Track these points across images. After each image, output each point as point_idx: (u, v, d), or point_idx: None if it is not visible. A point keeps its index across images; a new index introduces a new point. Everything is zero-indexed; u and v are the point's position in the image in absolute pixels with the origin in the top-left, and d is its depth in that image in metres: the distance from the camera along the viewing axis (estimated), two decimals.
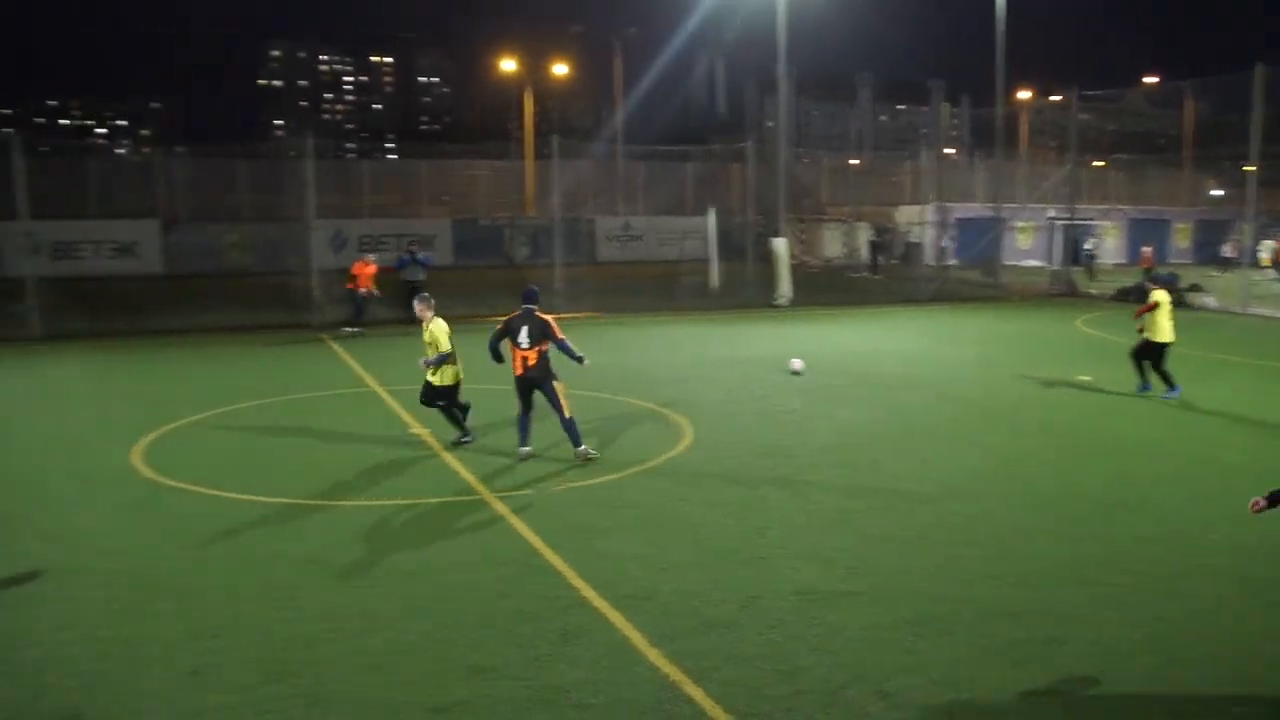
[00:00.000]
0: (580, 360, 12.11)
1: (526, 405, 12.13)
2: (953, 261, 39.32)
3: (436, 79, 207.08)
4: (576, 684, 6.60)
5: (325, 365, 19.27)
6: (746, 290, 30.00)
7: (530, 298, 12.23)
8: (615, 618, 7.57)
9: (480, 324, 25.43)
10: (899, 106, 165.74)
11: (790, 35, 30.35)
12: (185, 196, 44.90)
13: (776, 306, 29.08)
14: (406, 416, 14.52)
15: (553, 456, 12.27)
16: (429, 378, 12.70)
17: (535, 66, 67.76)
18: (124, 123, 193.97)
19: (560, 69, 73.40)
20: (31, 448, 13.25)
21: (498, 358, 12.20)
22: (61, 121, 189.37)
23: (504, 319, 12.39)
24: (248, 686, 6.61)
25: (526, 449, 12.19)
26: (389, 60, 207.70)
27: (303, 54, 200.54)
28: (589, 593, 8.04)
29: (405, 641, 7.24)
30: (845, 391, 16.39)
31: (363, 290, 23.17)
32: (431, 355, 12.61)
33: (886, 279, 37.27)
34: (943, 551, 9.02)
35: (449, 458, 12.29)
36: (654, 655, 6.97)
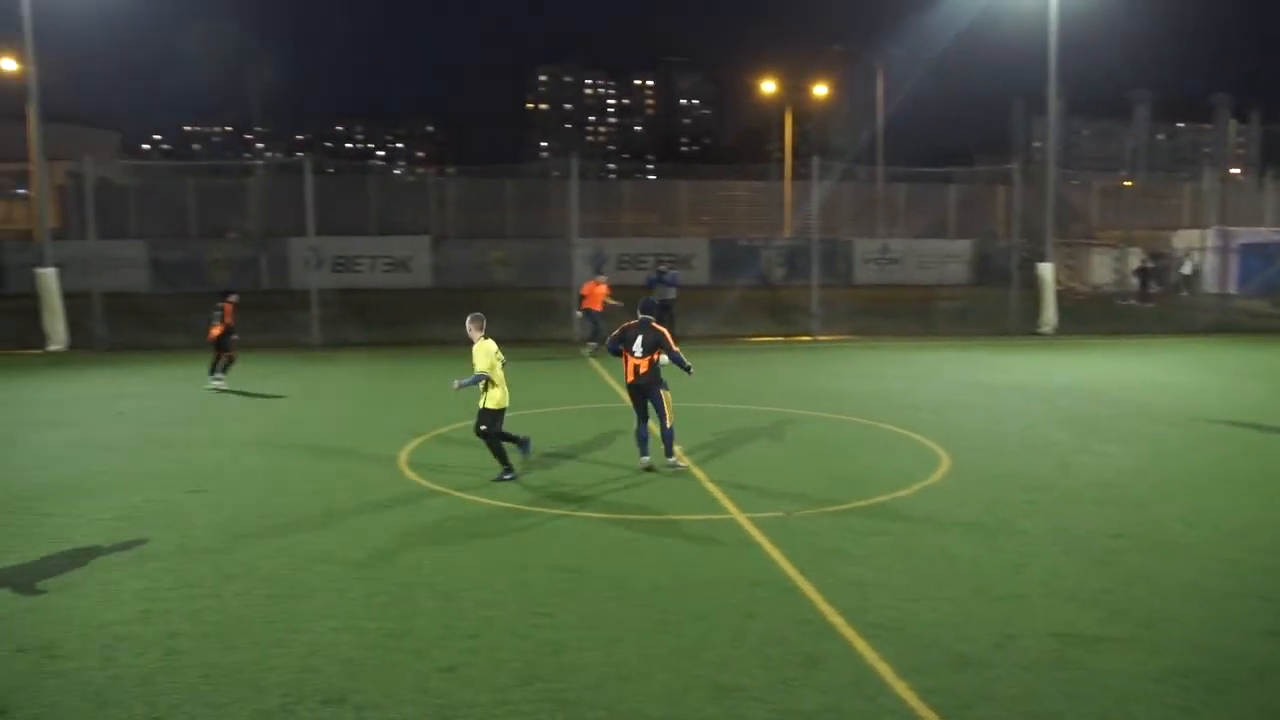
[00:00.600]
0: (688, 370, 12.72)
1: (642, 414, 12.58)
2: (1232, 290, 36.78)
3: (697, 101, 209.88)
4: (821, 710, 6.49)
5: (583, 381, 19.79)
6: (1009, 317, 28.97)
7: (648, 308, 12.87)
8: (863, 647, 7.40)
9: (737, 344, 25.65)
10: (1178, 124, 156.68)
11: (1061, 51, 29.12)
12: (455, 215, 47.17)
13: (1040, 334, 27.96)
14: None
15: (806, 477, 12.18)
16: (480, 402, 12.23)
17: (795, 87, 67.73)
18: (400, 145, 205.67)
19: (820, 90, 73.04)
20: (309, 447, 14.18)
21: (617, 354, 12.76)
22: (346, 145, 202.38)
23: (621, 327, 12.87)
24: (500, 687, 6.82)
25: (646, 459, 12.55)
26: (650, 83, 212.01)
27: (569, 78, 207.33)
28: (837, 619, 7.90)
29: (653, 655, 7.30)
30: (1112, 425, 15.56)
31: (596, 309, 23.34)
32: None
33: (1159, 308, 35.19)
34: (1214, 602, 8.38)
35: (701, 475, 12.36)
36: (901, 688, 6.78)
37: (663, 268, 26.33)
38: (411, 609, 8.17)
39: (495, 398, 12.13)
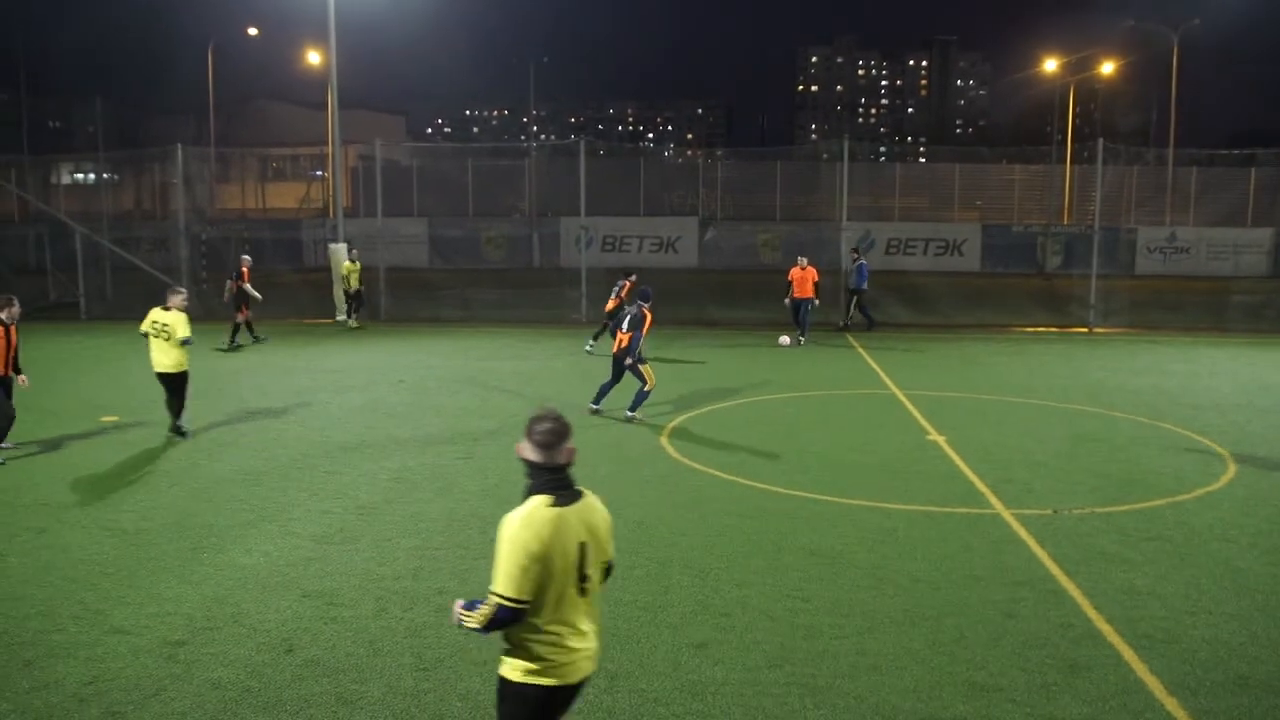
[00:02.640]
0: (638, 360, 14.38)
1: (616, 375, 14.76)
2: None
3: (972, 81, 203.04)
4: (1081, 719, 6.24)
5: (848, 365, 19.55)
6: None
7: (644, 296, 14.96)
8: (1130, 657, 7.04)
9: (1008, 334, 24.78)
10: None
11: None
12: (723, 197, 47.46)
13: None
14: (925, 422, 14.41)
15: (1076, 475, 11.67)
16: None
17: (1080, 65, 64.42)
18: (671, 128, 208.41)
19: (1107, 67, 69.26)
20: (575, 419, 14.61)
21: (614, 334, 15.27)
22: (618, 127, 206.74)
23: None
24: (751, 667, 6.87)
25: (596, 407, 14.82)
26: (925, 64, 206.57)
27: (840, 59, 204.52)
28: (1104, 626, 7.53)
29: (908, 647, 7.18)
30: None
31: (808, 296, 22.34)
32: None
33: None
34: None
35: (965, 467, 12.03)
36: (1171, 705, 6.39)
37: (854, 255, 25.40)
38: (667, 584, 8.33)
39: None
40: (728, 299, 27.71)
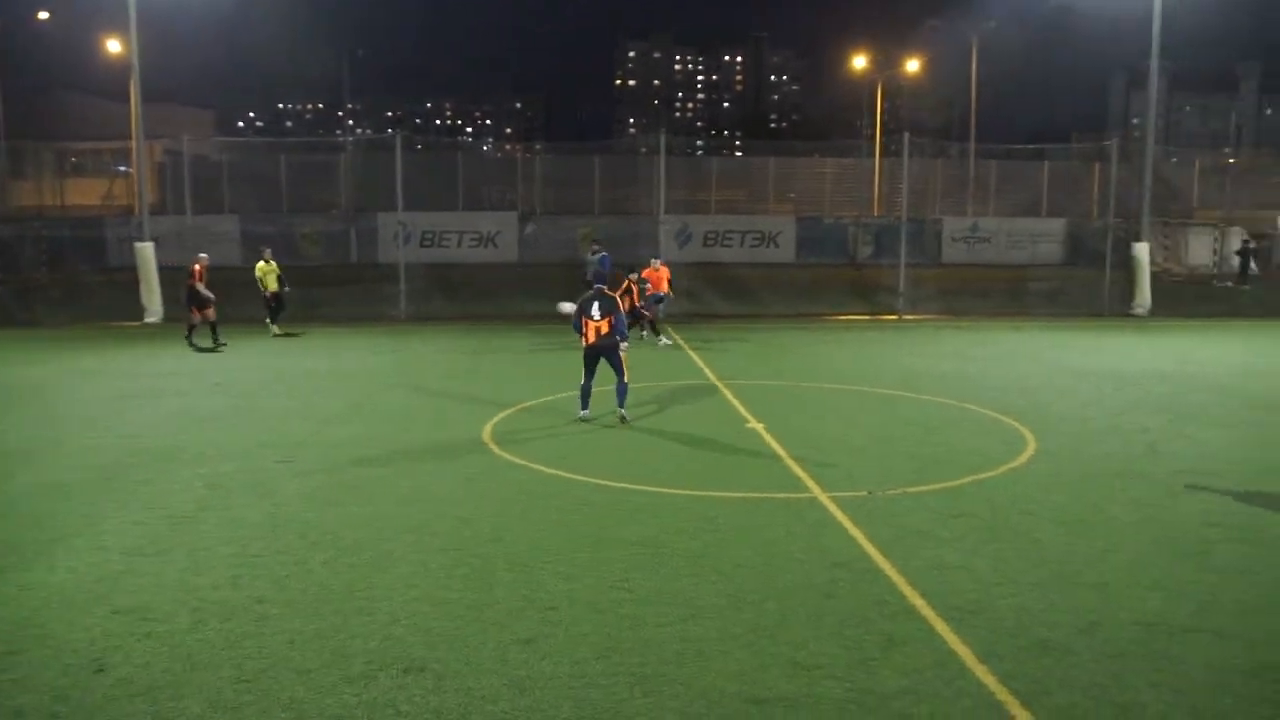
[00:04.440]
0: (624, 339, 13.89)
1: (590, 373, 13.95)
2: None
3: (785, 77, 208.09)
4: (899, 692, 6.44)
5: (668, 356, 19.79)
6: (1103, 298, 28.32)
7: (599, 279, 14.21)
8: (943, 629, 7.32)
9: (822, 323, 25.48)
10: None
11: (1164, 21, 28.14)
12: (542, 191, 47.39)
13: (1135, 316, 27.32)
14: (743, 410, 14.69)
15: (889, 457, 12.08)
16: None
17: (887, 63, 66.73)
18: (489, 122, 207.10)
19: (912, 65, 71.89)
20: (394, 419, 14.40)
21: (580, 332, 13.94)
22: (435, 121, 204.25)
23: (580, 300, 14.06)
24: (578, 660, 6.87)
25: (586, 412, 13.99)
26: (739, 59, 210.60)
27: (658, 54, 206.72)
28: (918, 601, 7.82)
29: (730, 632, 7.30)
30: (1205, 411, 15.13)
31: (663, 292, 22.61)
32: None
33: (1258, 290, 34.12)
34: None
35: (783, 453, 12.31)
36: (981, 672, 6.69)
37: (596, 248, 25.89)
38: (491, 580, 8.27)
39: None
40: (547, 293, 27.66)
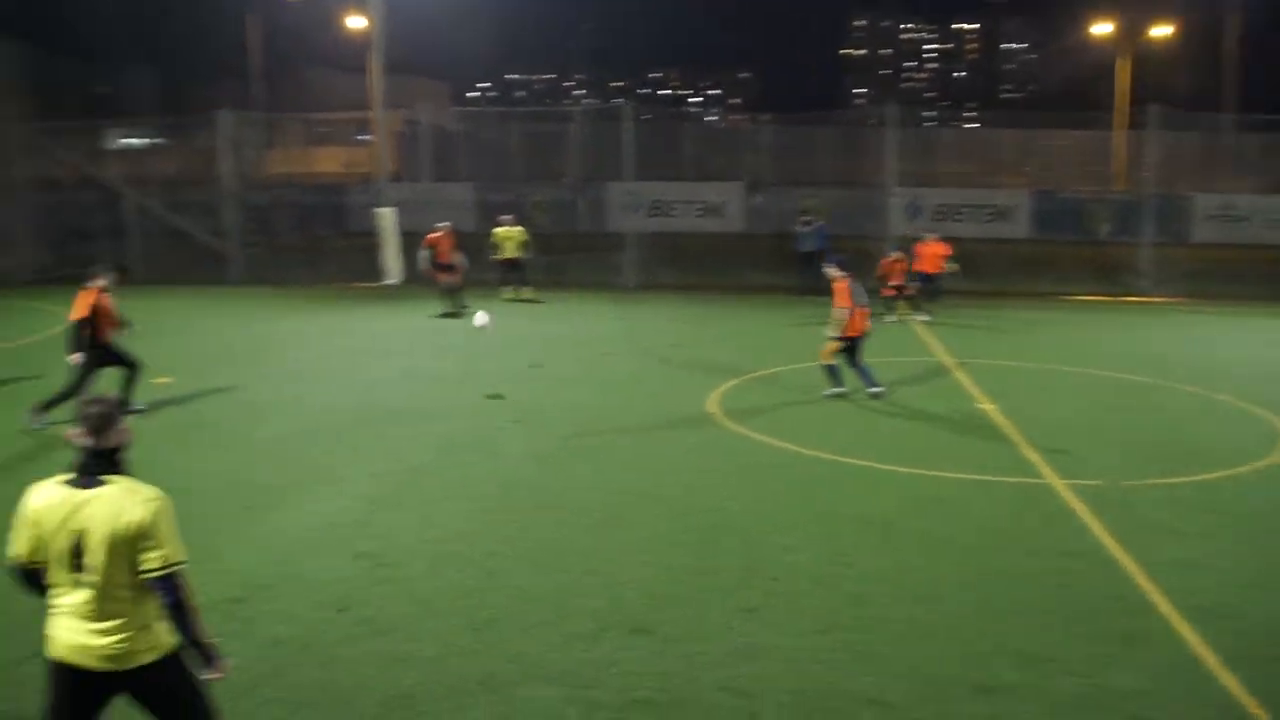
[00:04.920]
0: None
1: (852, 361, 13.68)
2: None
3: (1024, 45, 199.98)
4: (1135, 692, 6.15)
5: (897, 334, 19.35)
6: None
7: (824, 252, 14.26)
8: (1185, 630, 6.94)
9: (1059, 302, 24.46)
10: None
11: None
12: (768, 162, 47.10)
13: None
14: (974, 390, 14.28)
15: (1131, 446, 11.54)
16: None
17: (1134, 28, 63.17)
18: (716, 92, 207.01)
19: (1162, 30, 67.81)
20: (623, 384, 14.64)
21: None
22: (661, 92, 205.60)
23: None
24: (799, 632, 6.85)
25: (842, 389, 13.64)
26: (974, 27, 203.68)
27: (886, 23, 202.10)
28: (1159, 598, 7.43)
29: (958, 615, 7.13)
30: None
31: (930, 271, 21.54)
32: None
33: None
34: None
35: (1016, 436, 11.90)
36: (1227, 679, 6.30)
37: (808, 218, 25.07)
38: (716, 548, 8.33)
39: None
40: (771, 264, 27.52)
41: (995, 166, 46.67)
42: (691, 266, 27.78)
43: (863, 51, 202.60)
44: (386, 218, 26.31)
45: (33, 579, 4.38)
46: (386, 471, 10.38)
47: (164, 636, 4.38)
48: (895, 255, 21.04)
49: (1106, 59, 62.14)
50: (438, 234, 21.61)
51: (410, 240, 25.78)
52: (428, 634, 6.78)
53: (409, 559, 8.07)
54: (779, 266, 26.01)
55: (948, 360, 16.44)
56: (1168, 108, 28.71)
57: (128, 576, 4.27)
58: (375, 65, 29.35)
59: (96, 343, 12.07)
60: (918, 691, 6.13)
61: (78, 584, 4.25)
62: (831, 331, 13.53)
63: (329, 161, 52.60)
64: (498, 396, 13.55)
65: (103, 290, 12.26)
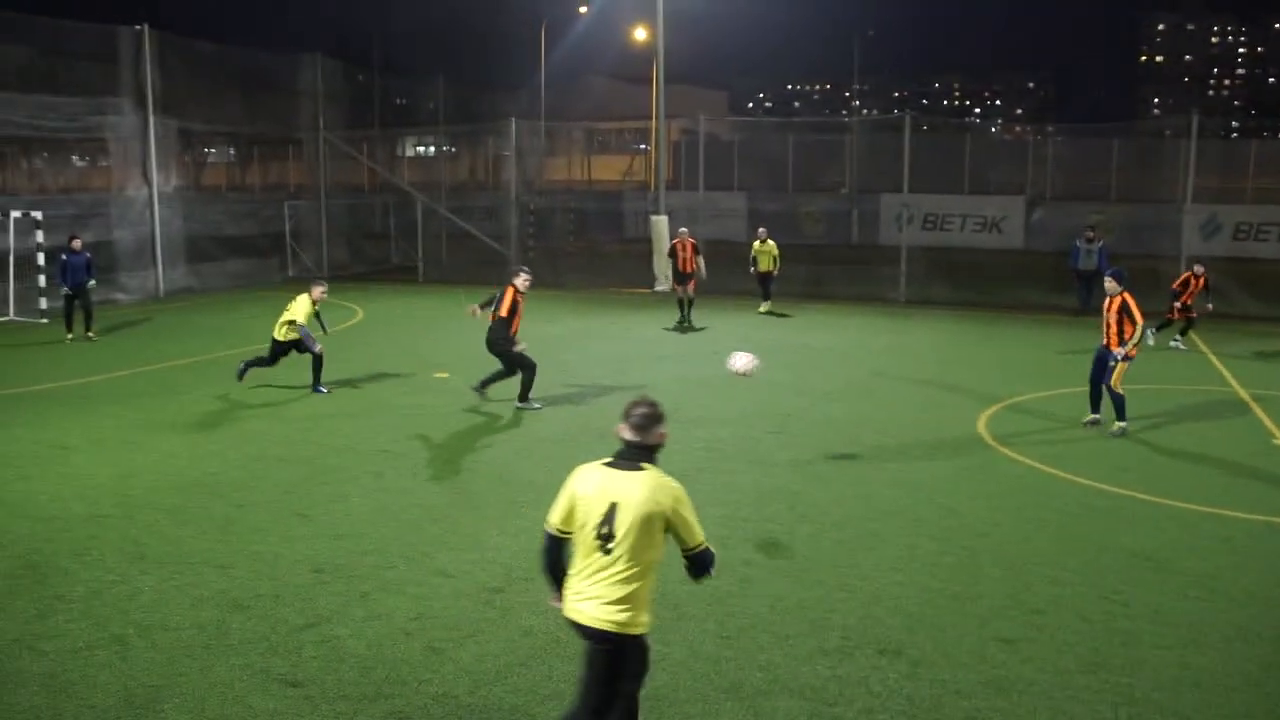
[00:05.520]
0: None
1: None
2: None
3: None
4: None
5: (1180, 361, 18.20)
6: None
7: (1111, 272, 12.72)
8: None
9: None
10: None
11: None
12: (1054, 175, 45.24)
13: None
14: (1273, 425, 13.27)
15: None
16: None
17: None
18: (998, 102, 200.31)
19: None
20: (888, 401, 14.40)
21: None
22: (943, 101, 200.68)
23: None
24: (1060, 669, 6.56)
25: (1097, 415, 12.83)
26: None
27: (1191, 25, 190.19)
28: None
29: (1238, 668, 6.62)
30: None
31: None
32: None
33: None
34: None
35: None
36: None
37: (1090, 234, 23.24)
38: (977, 574, 8.09)
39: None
40: (1050, 282, 26.37)
41: None
42: (965, 282, 26.98)
43: (1161, 57, 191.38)
44: (660, 224, 26.85)
45: (555, 548, 5.05)
46: None
47: (649, 616, 4.98)
48: (1200, 270, 19.22)
49: None
50: (676, 240, 21.68)
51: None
52: (679, 637, 6.90)
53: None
54: (1058, 285, 24.88)
55: (1243, 392, 15.33)
56: None
57: (646, 553, 4.87)
58: (657, 75, 30.03)
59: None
60: None
61: (604, 554, 4.84)
62: (1130, 351, 12.35)
63: (607, 169, 54.13)
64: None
65: (518, 290, 13.49)
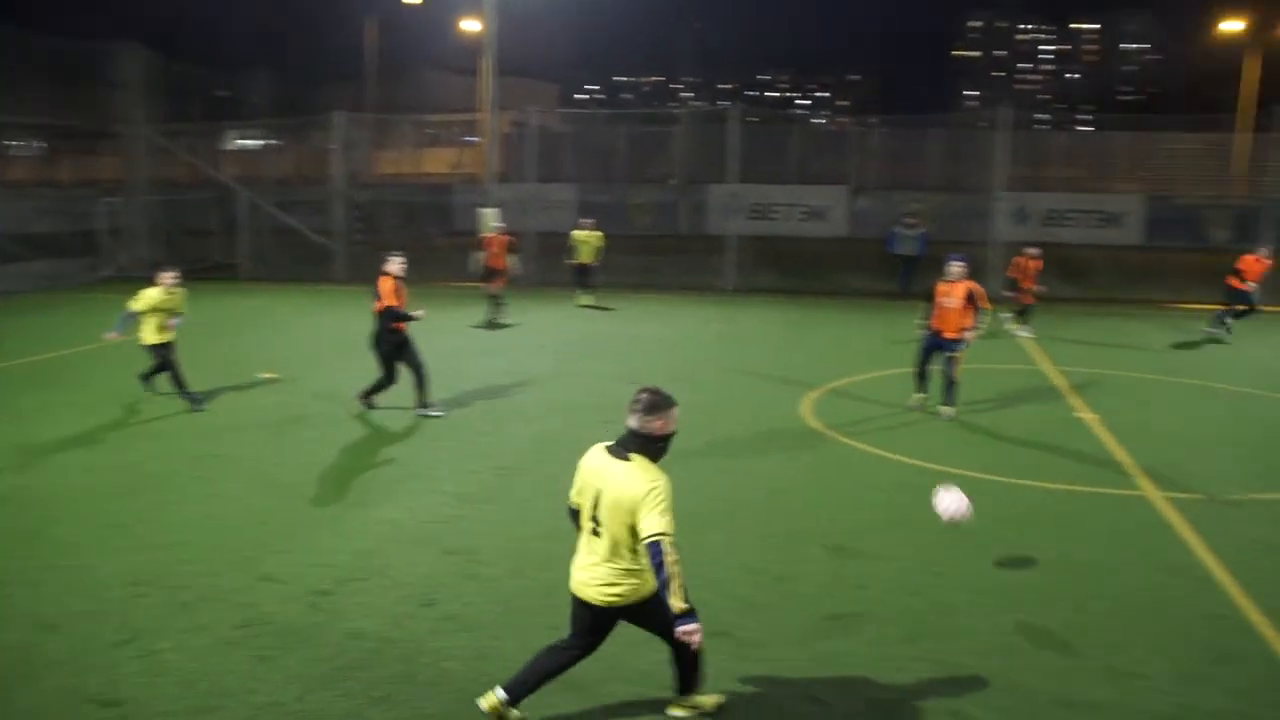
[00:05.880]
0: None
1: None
2: None
3: (1148, 45, 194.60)
4: (1227, 712, 6.01)
5: (998, 341, 19.02)
6: None
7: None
8: None
9: (1170, 311, 23.81)
10: None
11: None
12: (875, 165, 46.63)
13: None
14: (1073, 399, 14.00)
15: (1235, 460, 11.21)
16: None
17: (1265, 25, 60.92)
18: (825, 95, 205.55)
19: None
20: (714, 387, 14.65)
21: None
22: (770, 94, 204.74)
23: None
24: (883, 640, 6.81)
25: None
26: (1094, 27, 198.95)
27: (1003, 23, 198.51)
28: (1258, 617, 7.22)
29: (1046, 630, 7.00)
30: None
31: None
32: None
33: None
34: None
35: (1115, 447, 11.64)
36: None
37: (913, 220, 24.44)
38: (804, 555, 8.31)
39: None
40: (874, 268, 27.18)
41: (1108, 171, 45.53)
42: (792, 270, 27.67)
43: (976, 53, 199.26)
44: (490, 217, 26.67)
45: (572, 518, 5.60)
46: (481, 469, 10.57)
47: (638, 588, 5.39)
48: (1035, 252, 19.90)
49: (1235, 58, 59.96)
50: (489, 234, 21.16)
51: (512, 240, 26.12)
52: (510, 632, 6.90)
53: (497, 557, 8.21)
54: (882, 271, 25.72)
55: (1049, 370, 16.13)
56: None
57: (628, 538, 5.22)
58: (487, 67, 29.81)
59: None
60: (1000, 704, 6.06)
61: (593, 534, 5.36)
62: (970, 337, 12.71)
63: (437, 162, 53.48)
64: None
65: (395, 276, 12.64)
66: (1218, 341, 18.94)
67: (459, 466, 10.65)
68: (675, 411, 5.42)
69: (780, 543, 8.55)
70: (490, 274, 20.65)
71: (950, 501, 7.85)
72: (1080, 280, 23.94)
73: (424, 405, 12.77)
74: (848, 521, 9.11)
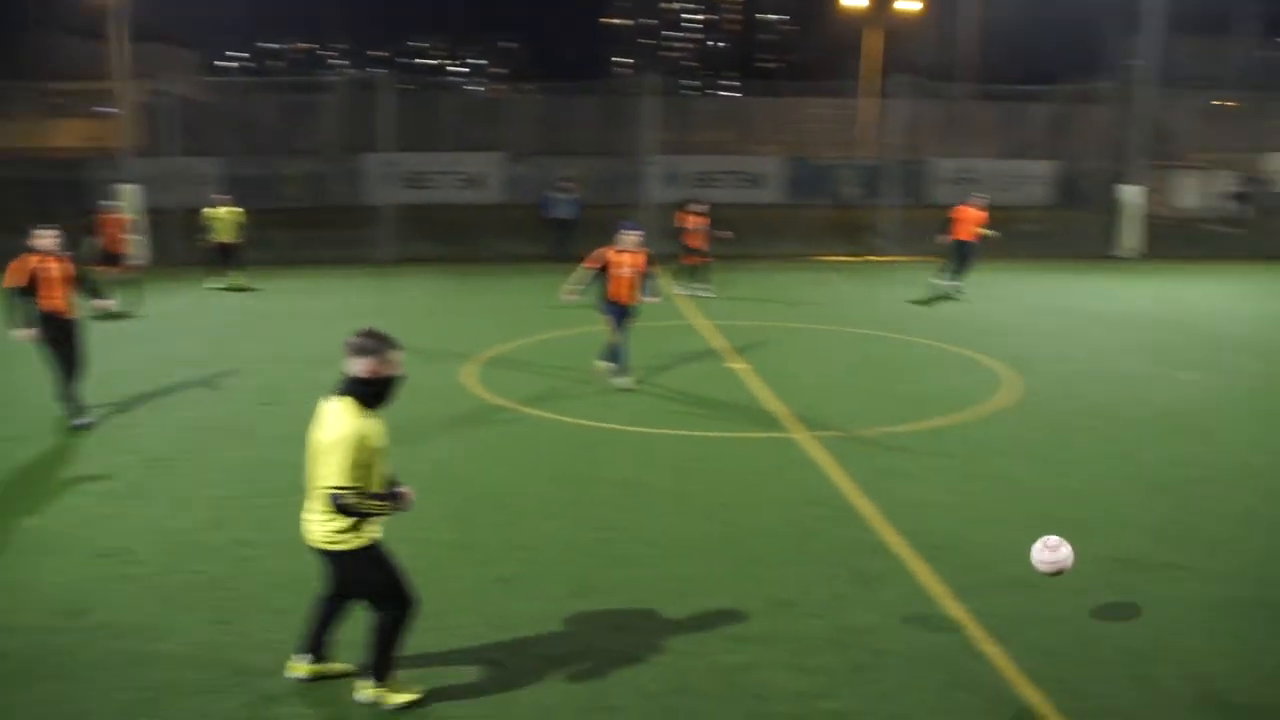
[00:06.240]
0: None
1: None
2: None
3: (786, 16, 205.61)
4: (873, 627, 6.54)
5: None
6: (1091, 241, 28.25)
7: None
8: (918, 567, 7.41)
9: (808, 263, 25.42)
10: None
11: None
12: (530, 132, 47.02)
13: (1123, 259, 27.28)
14: (723, 350, 14.72)
15: (869, 397, 12.15)
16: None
17: (884, 2, 65.85)
18: (481, 61, 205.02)
19: (910, 4, 70.88)
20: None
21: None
22: (422, 61, 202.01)
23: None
24: (554, 598, 6.94)
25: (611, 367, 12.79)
26: None
27: None
28: (893, 538, 7.90)
29: (712, 571, 7.36)
30: (1185, 354, 15.13)
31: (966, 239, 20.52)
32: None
33: (1251, 234, 33.98)
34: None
35: (763, 394, 12.34)
36: (953, 607, 6.79)
37: (567, 185, 25.67)
38: (474, 521, 8.33)
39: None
40: (531, 235, 27.44)
41: (751, 134, 48.02)
42: (449, 238, 27.51)
43: (628, 21, 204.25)
44: (128, 195, 24.95)
45: None
46: (131, 462, 9.90)
47: (354, 533, 5.46)
48: (700, 209, 20.01)
49: (861, 31, 64.41)
50: (101, 214, 19.27)
51: (156, 219, 24.65)
52: (171, 631, 6.52)
53: (153, 554, 7.73)
54: (538, 236, 26.00)
55: (701, 323, 16.87)
56: (914, 77, 30.07)
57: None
58: (118, 32, 27.75)
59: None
60: (679, 645, 6.31)
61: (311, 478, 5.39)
62: (654, 301, 12.88)
63: (67, 135, 49.46)
64: None
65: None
66: (948, 298, 19.89)
67: (105, 462, 9.92)
68: (393, 355, 5.43)
69: (452, 512, 8.50)
70: (109, 259, 18.50)
71: (1057, 559, 6.67)
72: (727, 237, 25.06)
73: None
74: (517, 485, 9.19)
